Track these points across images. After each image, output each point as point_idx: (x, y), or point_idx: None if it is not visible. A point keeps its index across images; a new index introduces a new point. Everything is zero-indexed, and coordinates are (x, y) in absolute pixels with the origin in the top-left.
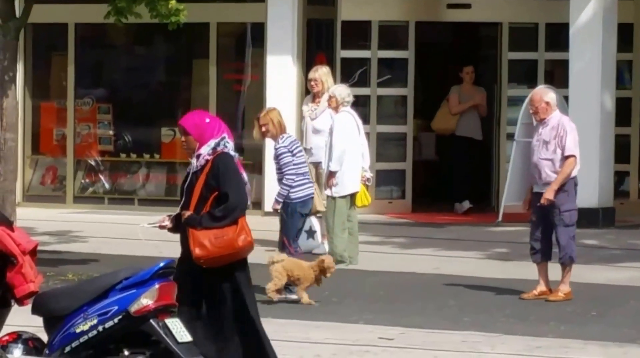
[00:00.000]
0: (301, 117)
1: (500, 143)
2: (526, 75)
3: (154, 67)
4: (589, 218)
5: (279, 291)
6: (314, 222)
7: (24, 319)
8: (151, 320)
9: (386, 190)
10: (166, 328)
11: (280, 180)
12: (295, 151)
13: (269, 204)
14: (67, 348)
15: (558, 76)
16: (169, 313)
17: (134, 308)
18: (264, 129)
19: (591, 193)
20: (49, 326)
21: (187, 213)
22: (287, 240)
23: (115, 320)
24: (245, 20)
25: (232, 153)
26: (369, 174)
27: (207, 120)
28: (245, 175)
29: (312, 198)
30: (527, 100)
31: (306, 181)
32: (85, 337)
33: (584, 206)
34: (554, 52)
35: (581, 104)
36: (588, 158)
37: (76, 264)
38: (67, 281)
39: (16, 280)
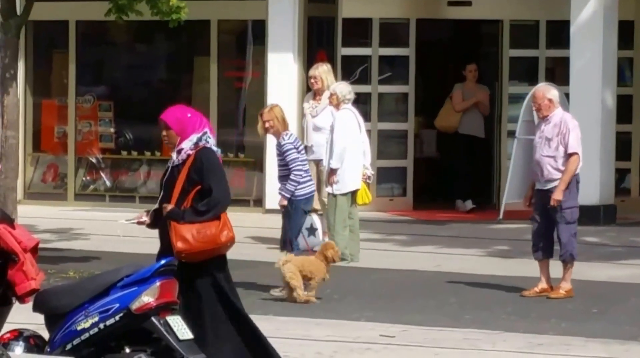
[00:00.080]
0: (302, 115)
1: (502, 140)
2: (527, 73)
3: (155, 64)
4: (590, 215)
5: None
6: (315, 220)
7: (25, 317)
8: (152, 318)
9: (387, 188)
10: (167, 325)
11: (283, 177)
12: (299, 148)
13: (270, 202)
14: (69, 346)
15: (559, 74)
16: (170, 311)
17: (135, 305)
18: (267, 125)
19: (592, 191)
20: (50, 323)
21: (169, 207)
22: (290, 238)
23: (117, 318)
24: (246, 17)
25: (214, 148)
26: (370, 172)
27: (189, 115)
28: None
29: (314, 195)
30: (528, 97)
31: (309, 178)
32: (87, 335)
33: (585, 204)
34: (554, 49)
35: (582, 101)
36: (589, 156)
37: (77, 261)
38: (68, 278)
39: (17, 278)
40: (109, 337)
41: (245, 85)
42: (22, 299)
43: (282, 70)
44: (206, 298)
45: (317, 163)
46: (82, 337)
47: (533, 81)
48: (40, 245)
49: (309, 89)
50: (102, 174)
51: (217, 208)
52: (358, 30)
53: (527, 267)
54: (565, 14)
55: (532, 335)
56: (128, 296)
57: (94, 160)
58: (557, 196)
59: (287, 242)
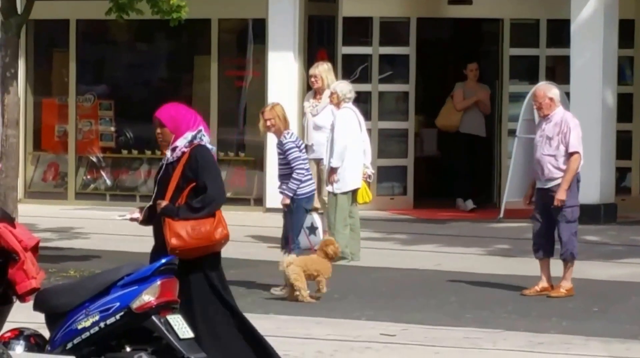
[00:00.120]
0: (302, 114)
1: (502, 139)
2: (527, 71)
3: (155, 63)
4: (590, 214)
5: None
6: (315, 218)
7: (25, 316)
8: (153, 317)
9: (388, 186)
10: (168, 324)
11: (283, 176)
12: (301, 147)
13: (270, 200)
14: (69, 345)
15: (559, 72)
16: (171, 310)
17: (135, 304)
18: (269, 123)
19: (593, 189)
20: (50, 322)
21: (164, 203)
22: (292, 237)
23: (117, 317)
24: (247, 16)
25: (209, 145)
26: (370, 171)
27: (183, 112)
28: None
29: (315, 194)
30: (528, 96)
31: (310, 176)
32: (87, 334)
33: (586, 203)
34: (555, 48)
35: (582, 100)
36: (589, 154)
37: (78, 260)
38: (69, 277)
39: (18, 277)
40: (110, 335)
41: (245, 84)
42: (22, 298)
43: (282, 69)
44: (198, 296)
45: (318, 162)
46: (83, 336)
47: (533, 80)
48: (41, 244)
49: (310, 88)
50: (103, 173)
51: (212, 205)
52: (358, 29)
53: (527, 266)
54: (565, 12)
55: (532, 334)
56: (129, 295)
57: (94, 159)
58: (561, 196)
59: (289, 241)
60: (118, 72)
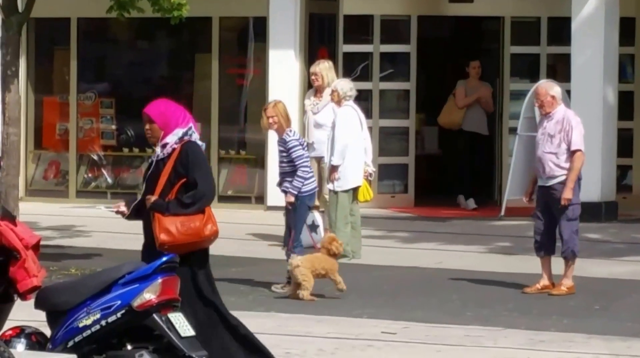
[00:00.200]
0: (303, 112)
1: (503, 137)
2: (528, 69)
3: (156, 61)
4: (591, 212)
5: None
6: (316, 217)
7: (27, 314)
8: (154, 315)
9: (389, 184)
10: (169, 322)
11: (285, 173)
12: (304, 145)
13: (271, 199)
14: (70, 343)
15: (560, 70)
16: (172, 308)
17: (136, 302)
18: (271, 121)
19: (594, 187)
20: (52, 320)
21: (153, 198)
22: (295, 234)
23: (118, 315)
24: (248, 14)
25: (198, 142)
26: (371, 169)
27: (172, 109)
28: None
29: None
30: (529, 94)
31: (312, 174)
32: (88, 332)
33: (587, 200)
34: (556, 46)
35: (583, 98)
36: (590, 152)
37: (79, 258)
38: (70, 275)
39: (19, 275)
40: (111, 334)
41: (246, 82)
42: (23, 296)
43: (283, 67)
44: (183, 294)
45: (319, 160)
46: (84, 334)
47: (534, 78)
48: (42, 242)
49: (310, 86)
50: (104, 171)
51: (202, 201)
52: (359, 27)
53: (528, 264)
54: (566, 10)
55: (533, 332)
56: (130, 293)
57: (95, 157)
58: (567, 194)
59: (291, 238)
60: (119, 71)
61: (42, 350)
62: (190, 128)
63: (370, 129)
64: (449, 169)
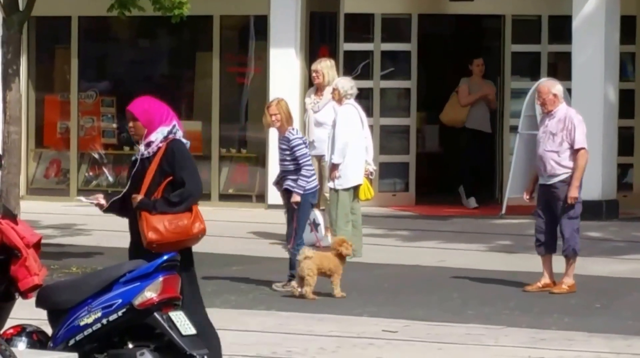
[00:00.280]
0: (304, 110)
1: (504, 135)
2: (529, 67)
3: (157, 60)
4: (592, 210)
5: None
6: (317, 215)
7: (28, 312)
8: (155, 313)
9: (389, 183)
10: (170, 321)
11: (287, 171)
12: (306, 143)
13: (272, 197)
14: (71, 341)
15: (561, 69)
16: (173, 306)
17: (138, 301)
18: (274, 118)
19: (594, 186)
20: (53, 319)
21: (139, 197)
22: (297, 232)
23: (119, 313)
24: (249, 13)
25: (183, 140)
26: (372, 168)
27: (156, 107)
28: None
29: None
30: (530, 92)
31: (314, 171)
32: (90, 330)
33: (587, 199)
34: (557, 44)
35: (584, 96)
36: (591, 151)
37: (80, 257)
38: (71, 274)
39: (20, 273)
40: (112, 332)
41: (247, 80)
42: (25, 295)
43: (284, 65)
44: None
45: (319, 158)
46: (85, 333)
47: (535, 76)
48: (43, 241)
49: (311, 85)
50: (105, 170)
51: (190, 200)
52: (360, 25)
53: (529, 262)
54: (567, 8)
55: (534, 330)
56: (131, 291)
57: (96, 156)
58: (573, 193)
59: (292, 236)
60: (120, 69)
61: (43, 349)
62: (174, 126)
63: (371, 127)
64: (450, 168)
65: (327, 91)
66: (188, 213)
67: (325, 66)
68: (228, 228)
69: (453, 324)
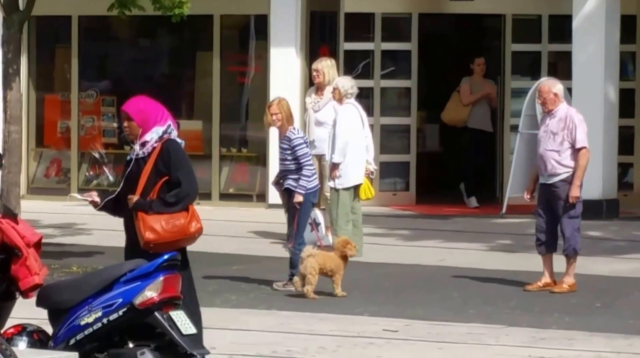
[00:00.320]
0: (304, 109)
1: (504, 134)
2: (530, 67)
3: (157, 59)
4: (592, 209)
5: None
6: (318, 214)
7: (28, 312)
8: (155, 313)
9: (390, 182)
10: (170, 320)
11: (287, 171)
12: (307, 143)
13: (272, 197)
14: (72, 341)
15: (561, 68)
16: (174, 306)
17: (138, 300)
18: (275, 118)
19: (595, 185)
20: (53, 318)
21: (135, 198)
22: (298, 231)
23: (120, 313)
24: (249, 12)
25: (178, 140)
26: (372, 167)
27: (151, 106)
28: None
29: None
30: (530, 92)
31: (315, 171)
32: (90, 330)
33: (588, 198)
34: (557, 44)
35: (584, 95)
36: (592, 150)
37: (81, 256)
38: (72, 273)
39: (21, 273)
40: (113, 331)
41: (247, 80)
42: (25, 294)
43: (284, 65)
44: None
45: (320, 157)
46: (86, 332)
47: (535, 76)
48: (44, 240)
49: (312, 84)
50: (105, 169)
51: (186, 200)
52: (360, 24)
53: (530, 261)
54: (567, 8)
55: (535, 330)
56: (131, 291)
57: (97, 155)
58: (575, 192)
59: (293, 236)
60: (120, 68)
61: (43, 348)
62: (169, 126)
63: (371, 127)
64: (450, 167)
65: (328, 91)
66: (184, 213)
67: (326, 65)
68: (228, 227)
69: (454, 323)
